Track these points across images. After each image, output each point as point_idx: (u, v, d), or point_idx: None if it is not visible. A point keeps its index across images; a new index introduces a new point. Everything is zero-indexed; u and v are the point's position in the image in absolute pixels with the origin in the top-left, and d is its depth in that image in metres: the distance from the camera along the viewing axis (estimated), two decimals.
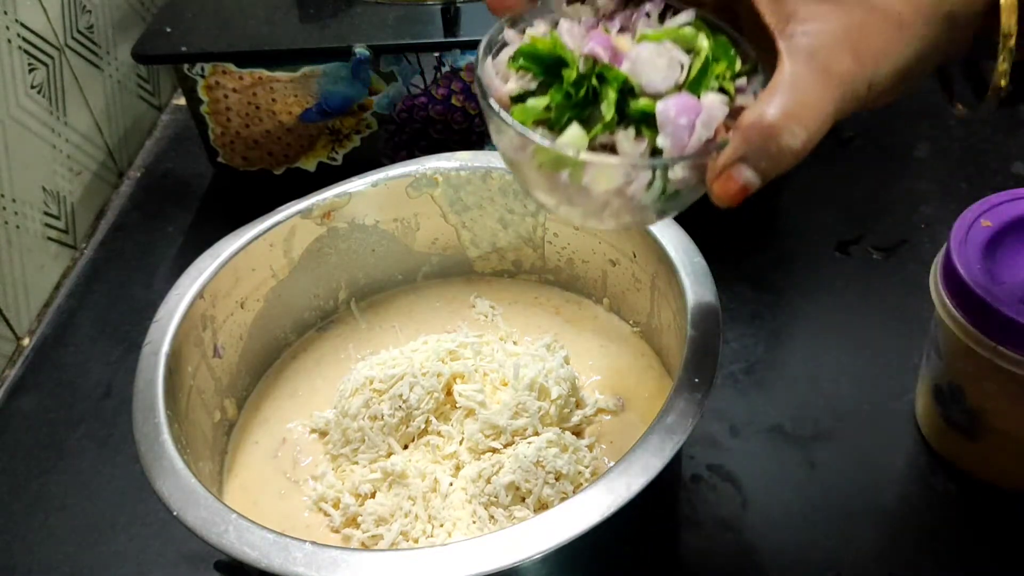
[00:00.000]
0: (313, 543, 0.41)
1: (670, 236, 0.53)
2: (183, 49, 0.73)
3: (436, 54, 0.72)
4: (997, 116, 0.83)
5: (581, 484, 0.51)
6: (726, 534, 0.56)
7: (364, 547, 0.50)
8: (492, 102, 0.38)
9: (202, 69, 0.74)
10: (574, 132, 0.36)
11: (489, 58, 0.40)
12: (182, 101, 0.92)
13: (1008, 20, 0.36)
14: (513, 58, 0.39)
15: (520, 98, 0.38)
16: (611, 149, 0.37)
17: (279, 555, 0.41)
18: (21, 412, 0.67)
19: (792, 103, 0.35)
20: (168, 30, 0.75)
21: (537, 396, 0.54)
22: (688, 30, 0.38)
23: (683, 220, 0.55)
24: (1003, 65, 0.37)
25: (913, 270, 0.69)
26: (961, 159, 0.80)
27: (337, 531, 0.51)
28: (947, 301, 0.52)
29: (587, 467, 0.52)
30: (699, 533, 0.56)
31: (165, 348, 0.51)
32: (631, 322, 0.61)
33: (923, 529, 0.55)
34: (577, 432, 0.55)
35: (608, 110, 0.36)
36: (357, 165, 0.68)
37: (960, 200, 0.57)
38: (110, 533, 0.59)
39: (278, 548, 0.41)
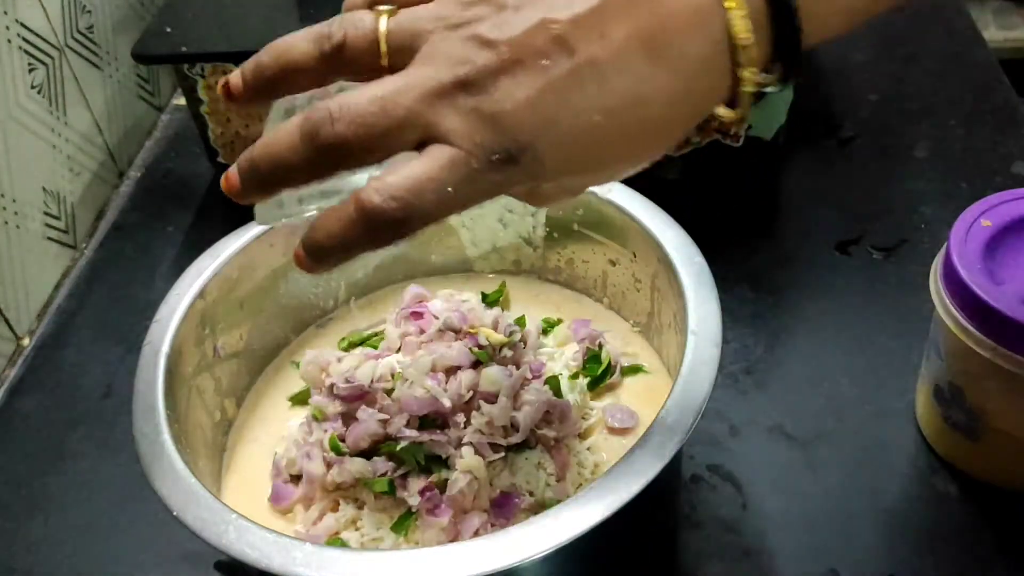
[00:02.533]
0: (313, 543, 0.41)
1: (670, 236, 0.53)
2: (183, 49, 0.73)
3: None
4: (997, 116, 0.83)
5: (581, 484, 0.51)
6: (726, 534, 0.55)
7: (364, 547, 0.50)
8: None
9: (202, 69, 0.74)
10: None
11: None
12: (182, 101, 0.92)
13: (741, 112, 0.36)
14: None
15: None
16: None
17: (279, 555, 0.41)
18: (21, 412, 0.67)
19: None
20: (168, 30, 0.75)
21: None
22: None
23: (683, 220, 0.55)
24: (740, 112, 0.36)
25: (913, 270, 0.69)
26: (961, 159, 0.80)
27: (337, 532, 0.51)
28: (947, 301, 0.52)
29: (587, 468, 0.52)
30: (699, 533, 0.56)
31: (165, 348, 0.51)
32: (631, 322, 0.61)
33: (923, 529, 0.55)
34: (577, 432, 0.55)
35: None
36: None
37: (960, 200, 0.57)
38: (110, 533, 0.59)
39: (278, 548, 0.41)
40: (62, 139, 0.80)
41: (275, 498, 0.52)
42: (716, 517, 0.56)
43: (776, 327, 0.67)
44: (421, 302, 0.58)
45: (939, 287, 0.53)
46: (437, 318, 0.56)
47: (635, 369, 0.58)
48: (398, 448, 0.50)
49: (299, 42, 0.38)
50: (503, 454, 0.50)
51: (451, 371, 0.52)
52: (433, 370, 0.52)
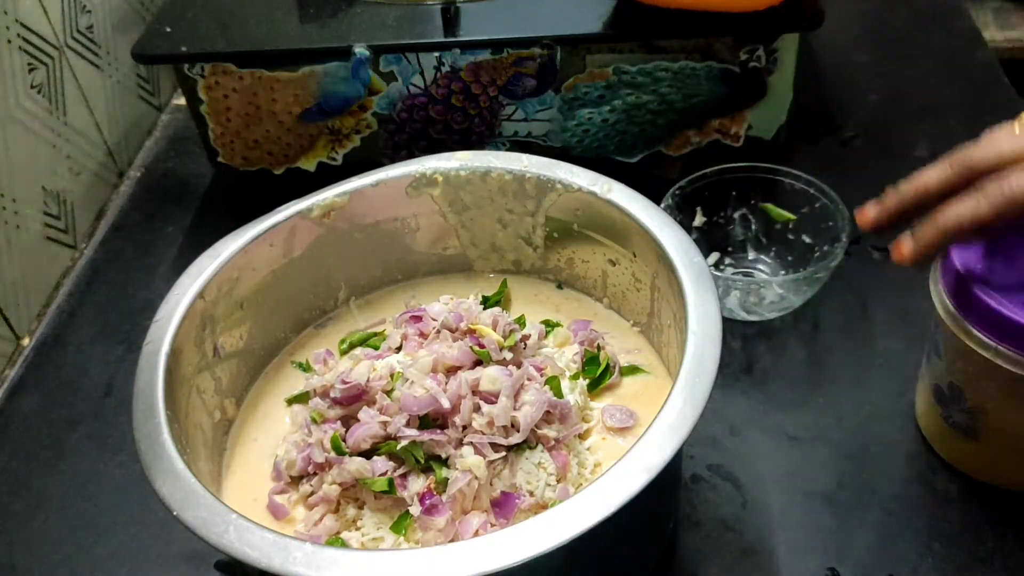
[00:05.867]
0: (313, 543, 0.41)
1: (670, 236, 0.53)
2: (183, 49, 0.73)
3: (436, 54, 0.72)
4: (997, 116, 0.83)
5: (581, 484, 0.51)
6: (726, 534, 0.56)
7: (364, 547, 0.50)
8: None
9: (202, 69, 0.74)
10: None
11: None
12: (182, 101, 0.92)
13: None
14: None
15: None
16: None
17: (279, 555, 0.41)
18: (21, 412, 0.67)
19: None
20: (168, 30, 0.75)
21: None
22: None
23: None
24: None
25: (913, 270, 0.69)
26: None
27: (337, 532, 0.51)
28: (947, 301, 0.52)
29: (587, 468, 0.52)
30: (699, 533, 0.56)
31: (165, 348, 0.51)
32: (631, 322, 0.61)
33: (923, 529, 0.55)
34: (578, 432, 0.55)
35: None
36: (357, 165, 0.68)
37: None
38: (110, 533, 0.59)
39: (278, 548, 0.41)
40: (62, 139, 0.80)
41: (274, 513, 0.52)
42: (716, 517, 0.56)
43: (777, 327, 0.67)
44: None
45: (939, 287, 0.53)
46: (435, 320, 0.56)
47: (635, 369, 0.58)
48: (398, 448, 0.50)
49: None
50: (503, 454, 0.50)
51: (451, 371, 0.52)
52: (434, 370, 0.52)
